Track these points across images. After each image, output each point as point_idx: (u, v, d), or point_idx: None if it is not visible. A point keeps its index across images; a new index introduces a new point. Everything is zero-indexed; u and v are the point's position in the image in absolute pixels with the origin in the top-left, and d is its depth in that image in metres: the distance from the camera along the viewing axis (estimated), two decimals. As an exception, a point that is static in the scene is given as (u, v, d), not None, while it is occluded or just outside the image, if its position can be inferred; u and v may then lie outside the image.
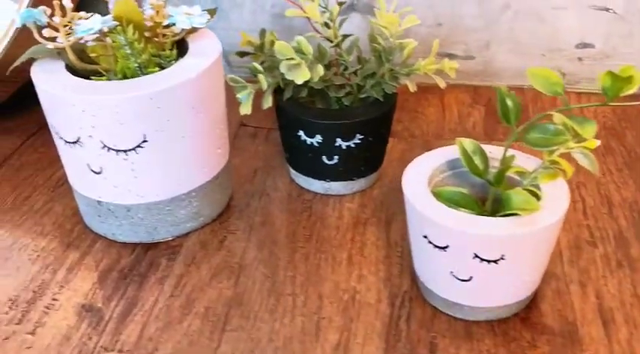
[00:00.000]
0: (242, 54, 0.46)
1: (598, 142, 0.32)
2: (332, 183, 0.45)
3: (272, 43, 0.45)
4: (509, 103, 0.35)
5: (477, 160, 0.35)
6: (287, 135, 0.45)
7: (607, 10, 0.53)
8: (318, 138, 0.42)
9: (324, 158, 0.43)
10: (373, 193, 0.46)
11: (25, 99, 0.54)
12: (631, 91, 0.31)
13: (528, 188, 0.34)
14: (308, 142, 0.43)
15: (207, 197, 0.42)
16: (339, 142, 0.42)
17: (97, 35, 0.36)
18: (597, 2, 0.53)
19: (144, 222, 0.40)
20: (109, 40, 0.37)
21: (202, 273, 0.39)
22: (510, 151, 0.35)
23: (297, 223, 0.43)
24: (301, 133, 0.43)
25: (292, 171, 0.46)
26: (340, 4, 0.43)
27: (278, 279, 0.39)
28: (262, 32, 0.46)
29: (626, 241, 0.41)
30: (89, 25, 0.35)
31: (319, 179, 0.45)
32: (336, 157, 0.43)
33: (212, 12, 0.41)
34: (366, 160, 0.45)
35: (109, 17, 0.35)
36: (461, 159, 0.35)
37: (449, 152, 0.37)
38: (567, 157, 0.33)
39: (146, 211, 0.40)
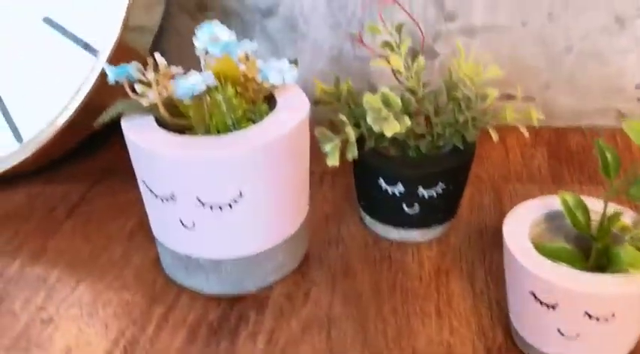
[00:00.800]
0: (317, 102, 0.46)
1: None
2: (410, 231, 0.45)
3: (348, 91, 0.45)
4: (608, 156, 0.35)
5: (580, 215, 0.35)
6: (364, 183, 0.45)
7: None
8: (400, 187, 0.42)
9: (405, 207, 0.43)
10: (450, 240, 0.45)
11: (88, 144, 0.54)
12: None
13: (634, 244, 0.34)
14: (389, 191, 0.43)
15: (290, 248, 0.42)
16: (421, 190, 0.42)
17: (196, 93, 0.36)
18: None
19: (231, 275, 0.40)
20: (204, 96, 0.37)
21: (292, 327, 0.39)
22: (610, 205, 0.35)
23: (378, 273, 0.43)
24: (382, 181, 0.43)
25: (368, 218, 0.46)
26: (415, 55, 0.43)
27: (369, 333, 0.39)
28: (337, 81, 0.46)
29: None
30: (191, 86, 0.35)
31: (397, 227, 0.45)
32: (416, 205, 0.43)
33: (295, 63, 0.42)
34: (445, 208, 0.44)
35: (208, 76, 0.35)
36: (563, 213, 0.35)
37: (547, 204, 0.37)
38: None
39: (235, 264, 0.40)
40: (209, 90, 0.36)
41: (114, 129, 0.40)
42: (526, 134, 0.42)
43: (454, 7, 0.54)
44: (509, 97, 0.57)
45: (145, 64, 0.38)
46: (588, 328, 0.33)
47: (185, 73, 0.37)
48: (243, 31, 0.58)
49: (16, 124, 0.48)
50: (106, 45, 0.46)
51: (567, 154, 0.55)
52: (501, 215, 0.46)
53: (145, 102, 0.38)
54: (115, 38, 0.45)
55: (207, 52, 0.38)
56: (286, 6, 0.56)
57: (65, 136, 0.48)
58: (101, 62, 0.45)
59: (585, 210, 0.35)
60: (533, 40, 0.55)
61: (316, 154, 0.41)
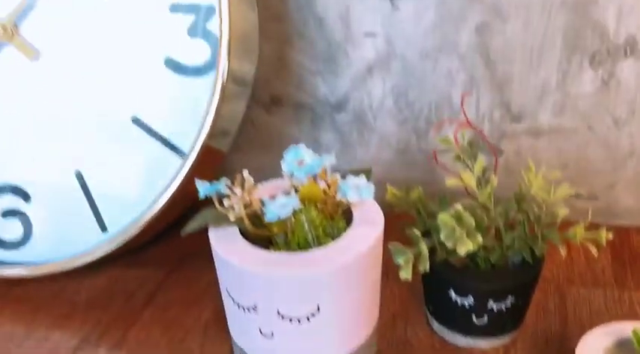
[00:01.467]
0: (388, 205, 0.48)
1: None
2: (477, 339, 0.46)
3: (419, 198, 0.47)
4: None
5: (652, 349, 0.36)
6: (434, 291, 0.46)
7: None
8: (470, 299, 0.44)
9: (474, 317, 0.44)
10: (517, 347, 0.46)
11: (163, 233, 0.57)
12: None
13: None
14: (459, 302, 0.44)
15: (363, 351, 0.43)
16: (490, 304, 0.44)
17: (285, 215, 0.38)
18: None
19: (305, 381, 0.42)
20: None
21: None
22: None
23: (446, 379, 0.44)
24: (452, 292, 0.44)
25: (435, 323, 0.47)
26: (484, 171, 0.44)
27: None
28: (407, 189, 0.48)
29: None
30: (280, 212, 0.37)
31: (465, 335, 0.46)
32: (485, 316, 0.44)
33: (368, 173, 0.44)
34: (513, 319, 0.45)
35: (295, 201, 0.38)
36: (635, 346, 0.36)
37: (616, 331, 0.38)
38: None
39: (309, 372, 0.41)
40: (295, 211, 0.39)
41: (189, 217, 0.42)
42: (596, 254, 0.43)
43: (520, 109, 0.55)
44: (576, 195, 0.58)
45: (232, 180, 0.40)
46: None
47: (272, 193, 0.40)
48: (313, 122, 0.60)
49: (103, 217, 0.52)
50: (192, 147, 0.48)
51: (630, 255, 0.55)
52: (566, 322, 0.47)
53: (231, 216, 0.40)
54: (201, 142, 0.48)
55: (292, 174, 0.40)
56: (356, 101, 0.59)
57: (148, 230, 0.50)
58: (188, 164, 0.48)
59: (657, 344, 0.36)
60: (598, 143, 0.56)
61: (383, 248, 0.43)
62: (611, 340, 0.37)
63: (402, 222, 0.45)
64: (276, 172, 0.42)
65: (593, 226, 0.43)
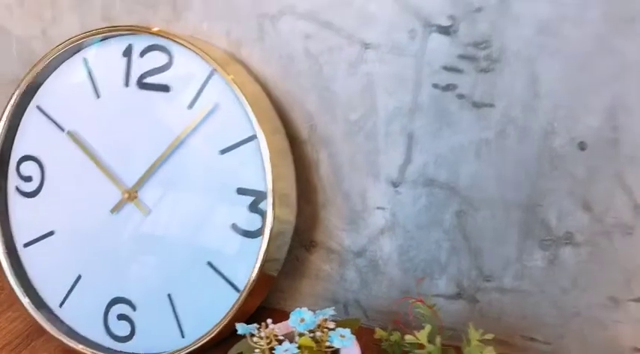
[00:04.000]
0: (376, 342, 0.68)
1: None
2: None
3: (396, 342, 0.67)
4: None
5: None
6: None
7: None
8: None
9: None
10: None
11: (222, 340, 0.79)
12: None
13: None
14: None
15: None
16: None
17: (286, 356, 0.59)
18: (649, 319, 0.70)
19: None
20: (292, 355, 0.60)
21: None
22: None
23: None
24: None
25: None
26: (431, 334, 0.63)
27: None
28: (390, 332, 0.67)
29: None
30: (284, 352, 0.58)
31: None
32: None
33: (355, 323, 0.64)
34: None
35: (294, 348, 0.59)
36: None
37: None
38: None
39: None
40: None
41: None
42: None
43: (489, 273, 0.74)
44: (532, 339, 0.75)
45: (260, 324, 0.62)
46: None
47: (282, 331, 0.61)
48: (340, 263, 0.81)
49: (183, 328, 0.75)
50: (246, 283, 0.71)
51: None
52: None
53: (257, 350, 0.61)
54: (254, 278, 0.70)
55: (296, 327, 0.61)
56: (372, 252, 0.79)
57: (213, 339, 0.73)
58: (242, 297, 0.71)
59: None
60: (550, 303, 0.73)
61: None
62: None
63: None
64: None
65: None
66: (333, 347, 0.62)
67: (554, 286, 0.72)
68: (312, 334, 0.62)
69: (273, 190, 0.70)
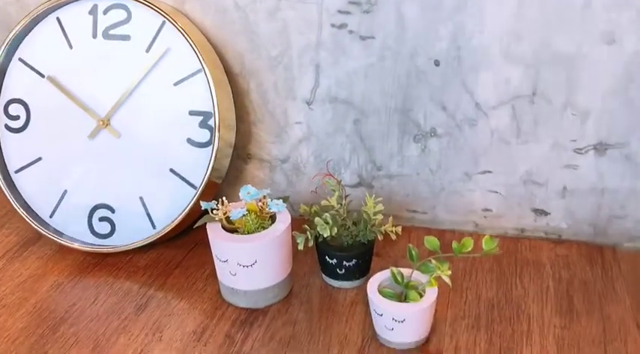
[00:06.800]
0: (300, 215, 0.93)
1: None
2: (342, 282, 0.90)
3: (315, 211, 0.92)
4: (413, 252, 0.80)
5: (399, 277, 0.80)
6: (320, 256, 0.91)
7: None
8: (334, 260, 0.88)
9: (337, 270, 0.89)
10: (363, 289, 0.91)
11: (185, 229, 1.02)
12: None
13: None
14: (329, 262, 0.89)
15: (283, 285, 0.88)
16: (345, 262, 0.88)
17: (240, 217, 0.84)
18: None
19: (250, 298, 0.87)
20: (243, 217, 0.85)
21: (278, 323, 0.85)
22: (415, 273, 0.80)
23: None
24: (326, 257, 0.89)
25: (323, 274, 0.92)
26: (339, 199, 0.90)
27: (312, 327, 0.84)
28: (310, 206, 0.93)
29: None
30: (237, 214, 0.83)
31: (335, 280, 0.90)
32: (344, 269, 0.89)
33: (286, 199, 0.89)
34: (360, 271, 0.90)
35: (244, 210, 0.83)
36: (392, 279, 0.80)
37: (387, 272, 0.82)
38: None
39: (251, 292, 0.87)
40: (244, 215, 0.84)
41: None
42: (394, 238, 0.88)
43: (380, 164, 1.01)
44: (414, 211, 1.03)
45: (217, 201, 0.86)
46: None
47: (234, 207, 0.85)
48: (270, 169, 1.06)
49: (154, 220, 0.98)
50: (201, 184, 0.94)
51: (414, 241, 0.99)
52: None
53: (217, 218, 0.85)
54: (206, 181, 0.94)
55: (244, 198, 0.85)
56: (294, 157, 1.04)
57: (177, 227, 0.96)
58: (199, 192, 0.94)
59: (403, 274, 0.80)
60: (424, 183, 1.01)
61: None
62: (386, 276, 0.82)
63: (303, 221, 0.90)
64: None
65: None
66: (270, 212, 0.87)
67: (426, 169, 0.99)
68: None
69: (218, 109, 0.93)
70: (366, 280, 0.89)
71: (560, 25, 0.87)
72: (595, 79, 0.88)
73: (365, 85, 0.96)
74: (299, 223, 0.91)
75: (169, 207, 0.97)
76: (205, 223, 0.87)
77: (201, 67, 0.93)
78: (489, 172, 0.97)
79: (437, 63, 0.92)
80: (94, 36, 0.97)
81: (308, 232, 0.88)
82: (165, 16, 0.93)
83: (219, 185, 1.00)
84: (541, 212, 0.98)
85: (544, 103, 0.91)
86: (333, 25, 0.94)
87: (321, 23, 0.94)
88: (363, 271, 0.91)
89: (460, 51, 0.91)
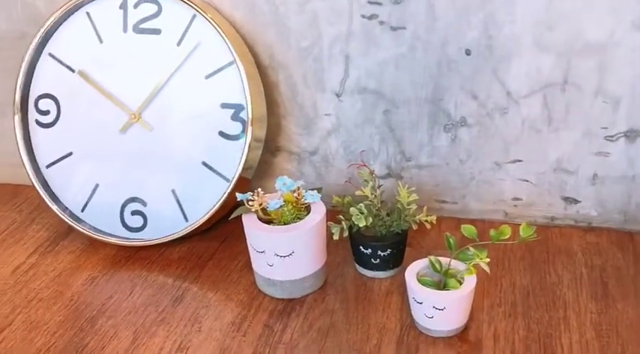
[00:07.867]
0: (333, 206, 0.94)
1: None
2: (377, 272, 0.91)
3: (348, 202, 0.93)
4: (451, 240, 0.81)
5: (437, 265, 0.81)
6: (354, 247, 0.91)
7: None
8: (369, 250, 0.89)
9: (372, 260, 0.90)
10: (398, 279, 0.91)
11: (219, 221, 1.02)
12: None
13: None
14: (364, 252, 0.89)
15: (317, 276, 0.89)
16: (379, 252, 0.89)
17: (278, 208, 0.84)
18: None
19: (287, 289, 0.87)
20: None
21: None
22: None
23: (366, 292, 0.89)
24: (361, 247, 0.90)
25: (356, 264, 0.93)
26: (373, 190, 0.90)
27: (350, 316, 0.85)
28: (343, 197, 0.93)
29: (517, 304, 0.85)
30: (274, 205, 0.83)
31: (369, 270, 0.91)
32: (378, 259, 0.89)
33: (319, 190, 0.89)
34: (395, 261, 0.90)
35: (280, 201, 0.84)
36: (431, 268, 0.81)
37: (425, 260, 0.83)
38: None
39: (289, 283, 0.87)
40: (281, 206, 0.85)
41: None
42: (429, 227, 0.88)
43: (409, 155, 1.01)
44: (444, 201, 1.03)
45: (253, 193, 0.86)
46: None
47: (270, 198, 0.86)
48: (299, 162, 1.06)
49: (186, 213, 0.98)
50: (234, 177, 0.95)
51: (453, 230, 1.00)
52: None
53: (252, 209, 0.86)
54: (238, 174, 0.94)
55: (280, 189, 0.86)
56: (323, 149, 1.04)
57: (211, 219, 0.97)
58: (232, 185, 0.95)
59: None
60: (453, 173, 1.01)
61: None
62: (423, 264, 0.82)
63: (337, 212, 0.91)
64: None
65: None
66: (306, 203, 0.88)
67: (456, 158, 1.00)
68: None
69: (251, 101, 0.93)
70: (399, 270, 0.90)
71: (591, 12, 0.87)
72: (626, 67, 0.89)
73: (395, 75, 0.96)
74: (330, 214, 0.91)
75: (201, 200, 0.97)
76: (240, 215, 0.88)
77: (232, 59, 0.94)
78: (520, 160, 0.98)
79: (468, 52, 0.93)
80: (125, 30, 0.98)
81: (343, 223, 0.88)
82: (195, 9, 0.94)
83: (250, 181, 1.00)
84: (571, 200, 0.99)
85: (575, 90, 0.91)
86: (363, 16, 0.94)
87: (352, 14, 0.94)
88: (397, 260, 0.91)
89: (491, 40, 0.91)
